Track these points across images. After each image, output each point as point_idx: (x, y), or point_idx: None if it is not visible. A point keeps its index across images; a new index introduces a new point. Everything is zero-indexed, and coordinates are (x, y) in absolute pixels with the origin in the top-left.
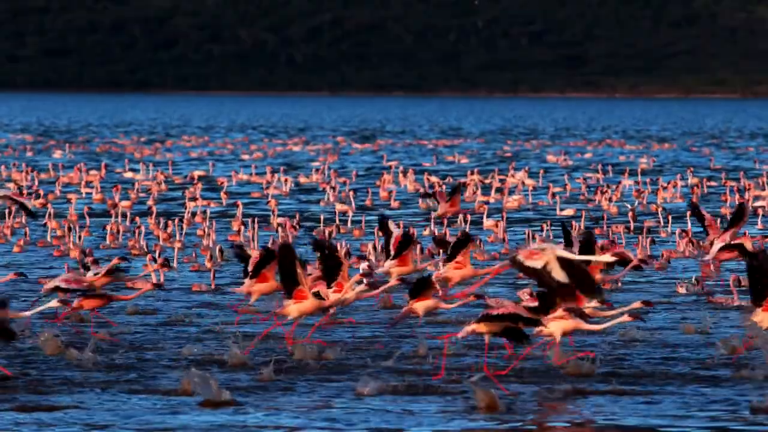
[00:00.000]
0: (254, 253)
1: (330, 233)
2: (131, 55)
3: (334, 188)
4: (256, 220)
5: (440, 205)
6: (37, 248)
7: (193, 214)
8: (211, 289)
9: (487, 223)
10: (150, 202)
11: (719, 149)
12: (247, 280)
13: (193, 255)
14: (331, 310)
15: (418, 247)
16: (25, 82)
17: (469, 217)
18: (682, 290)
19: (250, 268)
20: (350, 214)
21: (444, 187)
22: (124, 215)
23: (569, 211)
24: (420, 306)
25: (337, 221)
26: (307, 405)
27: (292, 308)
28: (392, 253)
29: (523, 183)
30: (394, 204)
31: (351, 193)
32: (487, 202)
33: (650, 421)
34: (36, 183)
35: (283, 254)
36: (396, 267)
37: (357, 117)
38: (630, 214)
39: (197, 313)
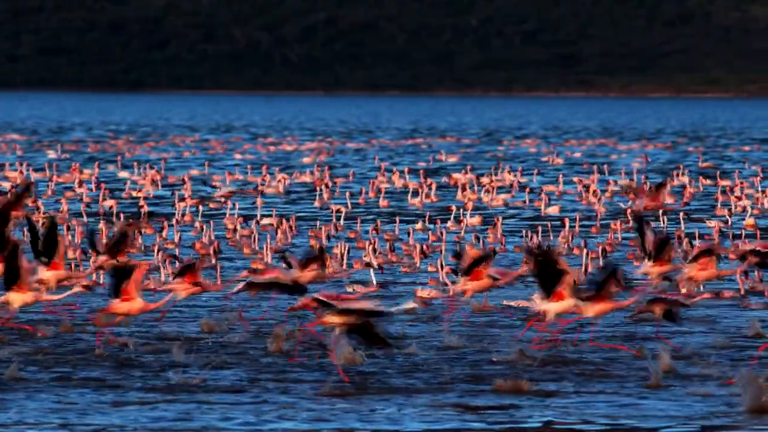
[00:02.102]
0: (471, 251)
1: (328, 233)
2: (126, 55)
3: (328, 186)
4: (255, 220)
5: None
6: None
7: (183, 214)
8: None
9: (471, 220)
10: (141, 202)
11: (709, 148)
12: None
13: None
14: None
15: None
16: (21, 82)
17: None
18: (684, 290)
19: (464, 265)
20: (343, 213)
21: (433, 185)
22: (117, 215)
23: (554, 209)
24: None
25: (334, 221)
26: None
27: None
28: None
29: (518, 182)
30: (383, 203)
31: (348, 193)
32: (479, 200)
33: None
34: (32, 181)
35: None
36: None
37: (351, 116)
38: (629, 211)
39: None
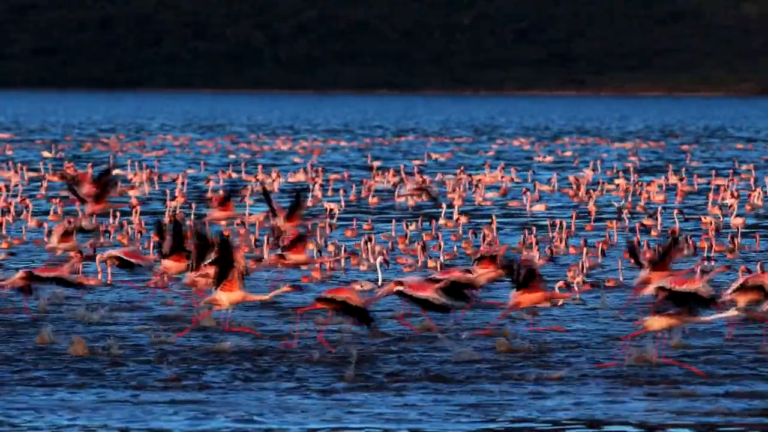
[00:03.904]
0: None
1: (323, 231)
2: (120, 53)
3: (320, 185)
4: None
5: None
6: (34, 246)
7: (174, 213)
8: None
9: (461, 219)
10: (133, 201)
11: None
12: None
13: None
14: None
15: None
16: (14, 81)
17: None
18: None
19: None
20: (337, 212)
21: (429, 181)
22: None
23: (540, 207)
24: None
25: (327, 219)
26: None
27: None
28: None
29: (512, 179)
30: (372, 200)
31: (341, 191)
32: (469, 199)
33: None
34: (26, 180)
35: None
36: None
37: (340, 115)
38: (625, 211)
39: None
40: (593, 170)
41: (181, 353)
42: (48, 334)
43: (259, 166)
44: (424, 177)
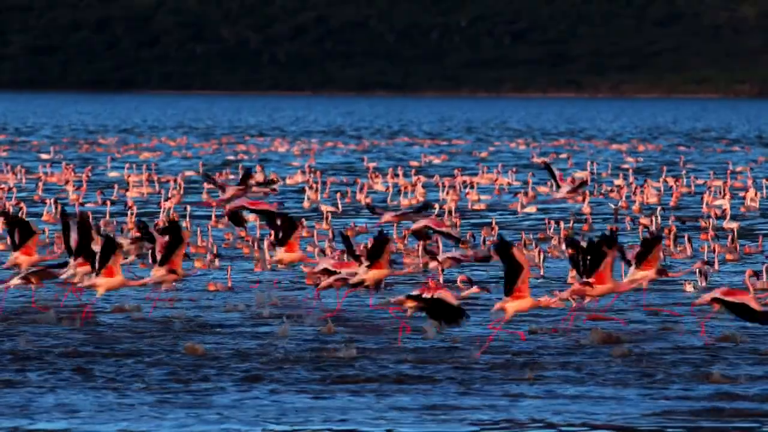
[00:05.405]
0: None
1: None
2: (115, 54)
3: (312, 187)
4: (258, 219)
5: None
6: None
7: (168, 214)
8: (227, 287)
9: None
10: (129, 203)
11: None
12: None
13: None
14: None
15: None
16: (8, 81)
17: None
18: (689, 288)
19: None
20: (329, 215)
21: (421, 179)
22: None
23: (531, 208)
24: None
25: (326, 222)
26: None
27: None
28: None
29: (509, 183)
30: (366, 201)
31: (338, 194)
32: (463, 200)
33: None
34: (23, 182)
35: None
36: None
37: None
38: (627, 218)
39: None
40: (590, 172)
41: (173, 355)
42: (26, 338)
43: (257, 167)
44: (422, 177)
